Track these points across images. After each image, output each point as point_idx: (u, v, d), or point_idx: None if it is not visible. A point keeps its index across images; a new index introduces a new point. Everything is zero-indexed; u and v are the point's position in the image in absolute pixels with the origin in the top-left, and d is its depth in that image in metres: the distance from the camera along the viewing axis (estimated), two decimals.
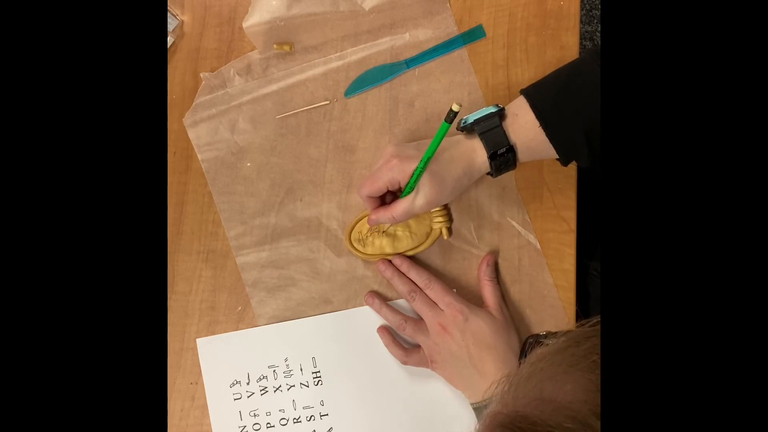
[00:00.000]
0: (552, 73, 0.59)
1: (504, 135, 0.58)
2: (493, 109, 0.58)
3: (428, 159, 0.56)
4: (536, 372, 0.38)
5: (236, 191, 0.68)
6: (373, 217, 0.61)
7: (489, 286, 0.65)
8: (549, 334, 0.49)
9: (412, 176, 0.57)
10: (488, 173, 0.60)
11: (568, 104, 0.56)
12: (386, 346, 0.66)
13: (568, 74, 0.58)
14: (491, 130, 0.58)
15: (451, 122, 0.52)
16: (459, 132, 0.61)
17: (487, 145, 0.58)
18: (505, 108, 0.59)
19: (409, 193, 0.59)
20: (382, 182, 0.59)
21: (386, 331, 0.66)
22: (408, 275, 0.65)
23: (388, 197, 0.63)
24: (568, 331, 0.40)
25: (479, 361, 0.61)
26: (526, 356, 0.52)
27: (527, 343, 0.52)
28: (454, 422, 0.65)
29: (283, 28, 0.67)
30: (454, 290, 0.64)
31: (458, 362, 0.62)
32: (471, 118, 0.59)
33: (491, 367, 0.61)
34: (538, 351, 0.40)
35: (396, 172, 0.58)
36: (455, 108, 0.51)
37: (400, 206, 0.59)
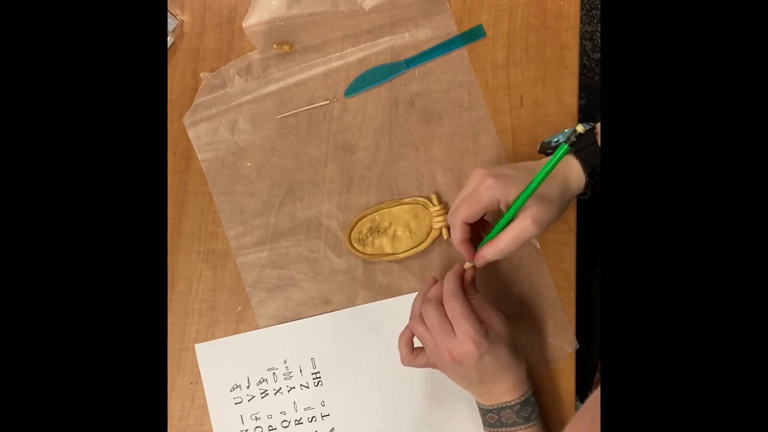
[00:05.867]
0: None
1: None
2: (586, 127, 0.50)
3: (541, 180, 0.50)
4: None
5: (236, 191, 0.68)
6: (483, 254, 0.55)
7: (476, 301, 0.59)
8: None
9: (518, 198, 0.52)
10: (580, 195, 0.56)
11: None
12: (399, 338, 0.61)
13: None
14: (587, 148, 0.54)
15: (572, 145, 0.48)
16: (542, 155, 0.59)
17: (584, 163, 0.54)
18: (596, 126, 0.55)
19: (510, 217, 0.53)
20: (481, 204, 0.54)
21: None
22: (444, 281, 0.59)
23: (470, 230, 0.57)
24: None
25: (491, 382, 0.58)
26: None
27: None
28: (455, 422, 0.65)
29: (283, 28, 0.67)
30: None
31: (467, 382, 0.59)
32: (560, 137, 0.58)
33: (505, 385, 0.58)
34: None
35: (495, 191, 0.53)
36: (580, 129, 0.46)
37: (509, 235, 0.53)
